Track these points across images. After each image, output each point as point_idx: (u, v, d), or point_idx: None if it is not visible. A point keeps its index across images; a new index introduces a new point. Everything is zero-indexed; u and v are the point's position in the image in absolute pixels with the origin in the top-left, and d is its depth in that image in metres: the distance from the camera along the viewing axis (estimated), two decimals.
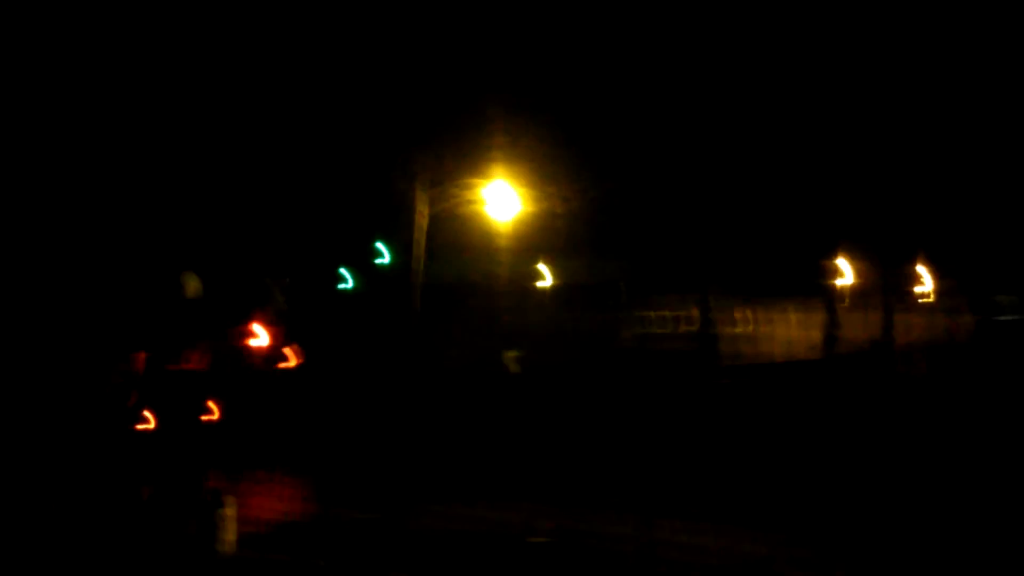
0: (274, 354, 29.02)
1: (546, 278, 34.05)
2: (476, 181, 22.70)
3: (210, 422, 27.08)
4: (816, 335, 40.41)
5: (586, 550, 17.11)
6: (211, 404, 27.40)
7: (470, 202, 22.81)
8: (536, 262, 33.07)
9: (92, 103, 27.50)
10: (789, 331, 40.76)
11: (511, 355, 23.87)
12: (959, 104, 31.02)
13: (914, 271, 41.94)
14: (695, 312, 37.49)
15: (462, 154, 25.14)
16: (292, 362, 28.91)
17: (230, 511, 19.17)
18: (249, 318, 29.26)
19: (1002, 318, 40.21)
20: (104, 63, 27.33)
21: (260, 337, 29.03)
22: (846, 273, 38.69)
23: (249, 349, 29.06)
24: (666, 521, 17.96)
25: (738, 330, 38.94)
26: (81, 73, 27.18)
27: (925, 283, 41.50)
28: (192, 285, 29.41)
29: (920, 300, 41.16)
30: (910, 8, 28.94)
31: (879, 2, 29.22)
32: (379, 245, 30.49)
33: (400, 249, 28.38)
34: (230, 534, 19.21)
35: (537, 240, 29.24)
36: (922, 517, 18.86)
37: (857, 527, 18.34)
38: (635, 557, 16.84)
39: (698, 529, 17.80)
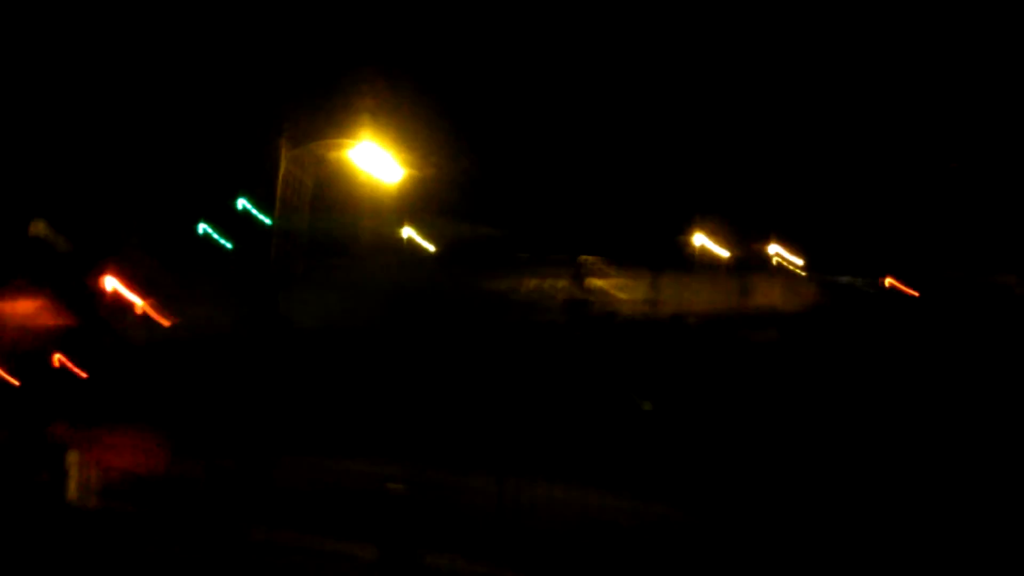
0: (127, 305, 28.53)
1: (414, 241, 34.12)
2: (344, 140, 22.78)
3: (60, 372, 26.51)
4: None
5: (443, 499, 17.66)
6: (60, 354, 26.81)
7: (336, 160, 22.92)
8: (403, 224, 33.20)
9: None
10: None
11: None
12: (808, 94, 32.24)
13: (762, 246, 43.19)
14: None
15: (329, 111, 25.13)
16: (145, 312, 28.47)
17: (77, 460, 18.98)
18: (103, 267, 28.67)
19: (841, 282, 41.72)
20: None
21: (113, 287, 28.49)
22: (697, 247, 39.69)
23: (102, 298, 28.51)
24: (519, 480, 18.59)
25: None
26: None
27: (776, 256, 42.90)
28: (39, 227, 28.62)
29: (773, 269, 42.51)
30: None
31: None
32: (243, 201, 30.24)
33: (263, 205, 28.21)
34: (78, 483, 19.01)
35: (403, 203, 29.46)
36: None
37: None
38: (490, 506, 17.48)
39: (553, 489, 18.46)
